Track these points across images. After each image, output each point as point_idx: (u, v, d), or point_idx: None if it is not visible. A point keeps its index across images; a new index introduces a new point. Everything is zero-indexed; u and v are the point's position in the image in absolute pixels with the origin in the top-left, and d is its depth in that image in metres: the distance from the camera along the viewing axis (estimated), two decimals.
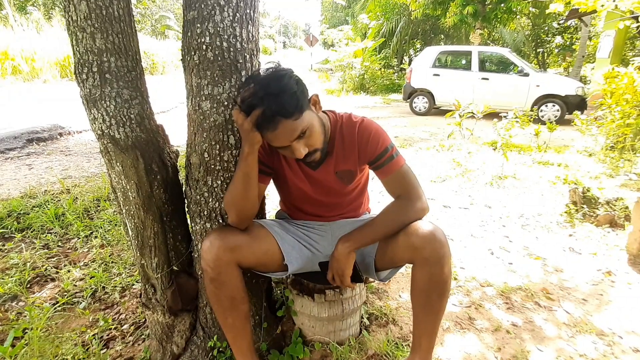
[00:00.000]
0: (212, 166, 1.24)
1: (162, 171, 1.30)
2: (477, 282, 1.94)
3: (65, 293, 2.01)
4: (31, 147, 4.90)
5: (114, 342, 1.64)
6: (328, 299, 1.39)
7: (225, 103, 1.20)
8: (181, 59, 1.24)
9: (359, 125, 1.24)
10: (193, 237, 1.37)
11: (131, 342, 1.61)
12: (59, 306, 1.89)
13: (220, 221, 1.30)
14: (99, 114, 1.17)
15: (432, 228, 1.11)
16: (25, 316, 1.81)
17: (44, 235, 2.60)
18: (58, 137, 5.21)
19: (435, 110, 8.83)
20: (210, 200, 1.28)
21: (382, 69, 14.30)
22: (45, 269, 2.23)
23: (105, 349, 1.62)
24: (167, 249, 1.33)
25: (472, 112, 5.33)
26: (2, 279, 2.09)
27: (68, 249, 2.51)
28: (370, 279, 1.35)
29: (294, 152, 1.10)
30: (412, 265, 1.17)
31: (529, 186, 3.56)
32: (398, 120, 8.01)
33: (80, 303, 1.91)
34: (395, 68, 16.57)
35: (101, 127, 1.18)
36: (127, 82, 1.19)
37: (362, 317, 1.58)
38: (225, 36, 1.15)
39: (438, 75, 8.53)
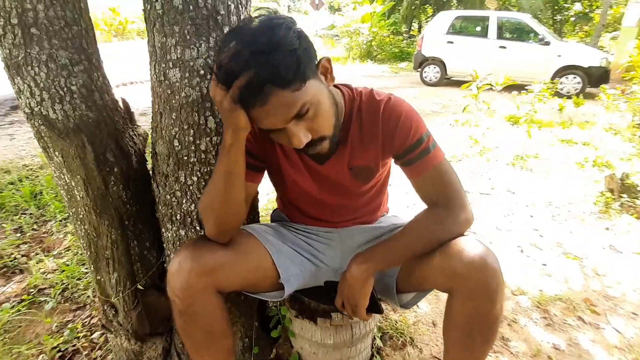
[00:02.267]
0: (185, 157, 0.93)
1: (121, 162, 0.99)
2: (508, 289, 1.66)
3: (32, 290, 1.76)
4: (15, 115, 4.57)
5: (79, 357, 1.39)
6: (334, 324, 1.11)
7: (202, 72, 0.87)
8: (142, 9, 0.90)
9: (385, 105, 0.91)
10: (165, 246, 1.07)
11: (99, 358, 1.36)
12: (24, 306, 1.64)
13: (198, 228, 1.00)
14: (25, 85, 0.84)
15: (482, 250, 0.81)
16: None
17: (18, 217, 2.34)
18: None
19: (446, 80, 8.32)
20: (184, 201, 0.98)
21: (391, 36, 13.54)
22: (14, 259, 1.97)
23: None
24: (130, 260, 1.04)
25: (490, 84, 4.92)
26: None
27: (43, 233, 2.25)
28: (388, 303, 1.06)
29: (290, 139, 0.78)
30: (448, 293, 0.89)
31: (555, 168, 3.23)
32: (407, 90, 7.54)
33: (48, 302, 1.66)
34: (404, 35, 15.72)
35: (29, 103, 0.86)
36: (65, 40, 0.85)
37: (374, 338, 1.31)
38: None
39: (452, 42, 7.95)
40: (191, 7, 0.82)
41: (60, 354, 1.42)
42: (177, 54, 0.85)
